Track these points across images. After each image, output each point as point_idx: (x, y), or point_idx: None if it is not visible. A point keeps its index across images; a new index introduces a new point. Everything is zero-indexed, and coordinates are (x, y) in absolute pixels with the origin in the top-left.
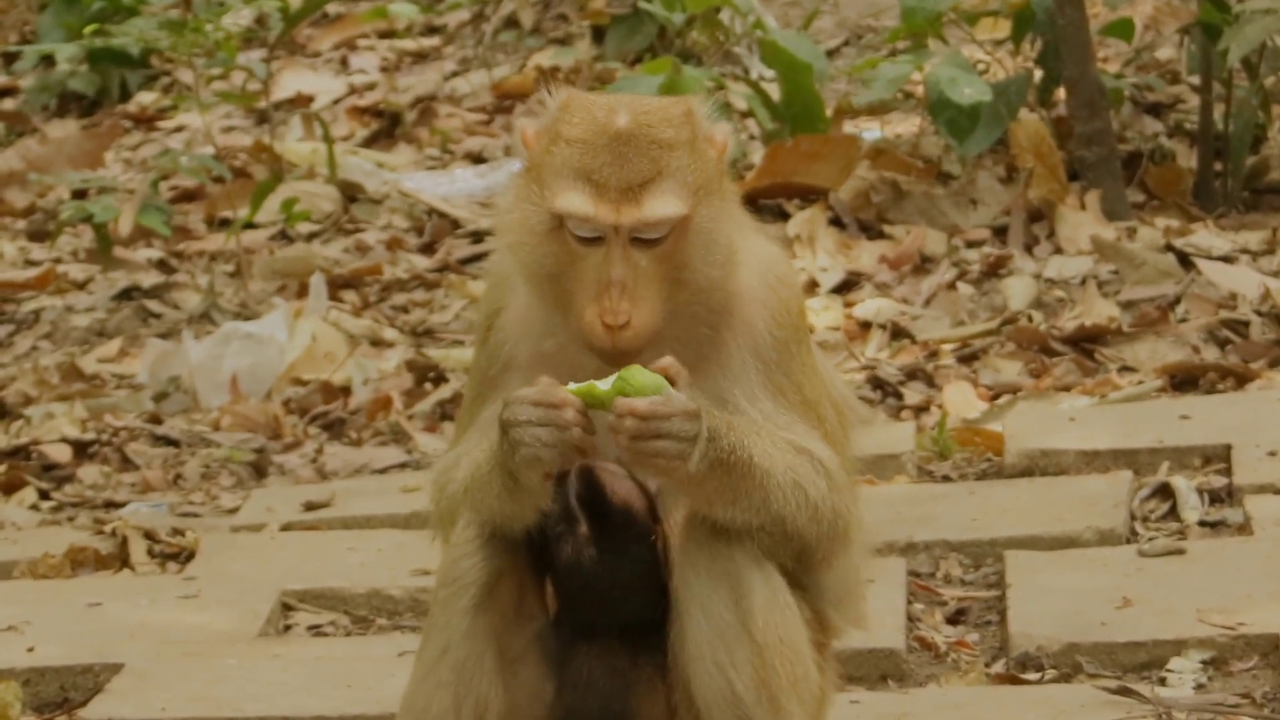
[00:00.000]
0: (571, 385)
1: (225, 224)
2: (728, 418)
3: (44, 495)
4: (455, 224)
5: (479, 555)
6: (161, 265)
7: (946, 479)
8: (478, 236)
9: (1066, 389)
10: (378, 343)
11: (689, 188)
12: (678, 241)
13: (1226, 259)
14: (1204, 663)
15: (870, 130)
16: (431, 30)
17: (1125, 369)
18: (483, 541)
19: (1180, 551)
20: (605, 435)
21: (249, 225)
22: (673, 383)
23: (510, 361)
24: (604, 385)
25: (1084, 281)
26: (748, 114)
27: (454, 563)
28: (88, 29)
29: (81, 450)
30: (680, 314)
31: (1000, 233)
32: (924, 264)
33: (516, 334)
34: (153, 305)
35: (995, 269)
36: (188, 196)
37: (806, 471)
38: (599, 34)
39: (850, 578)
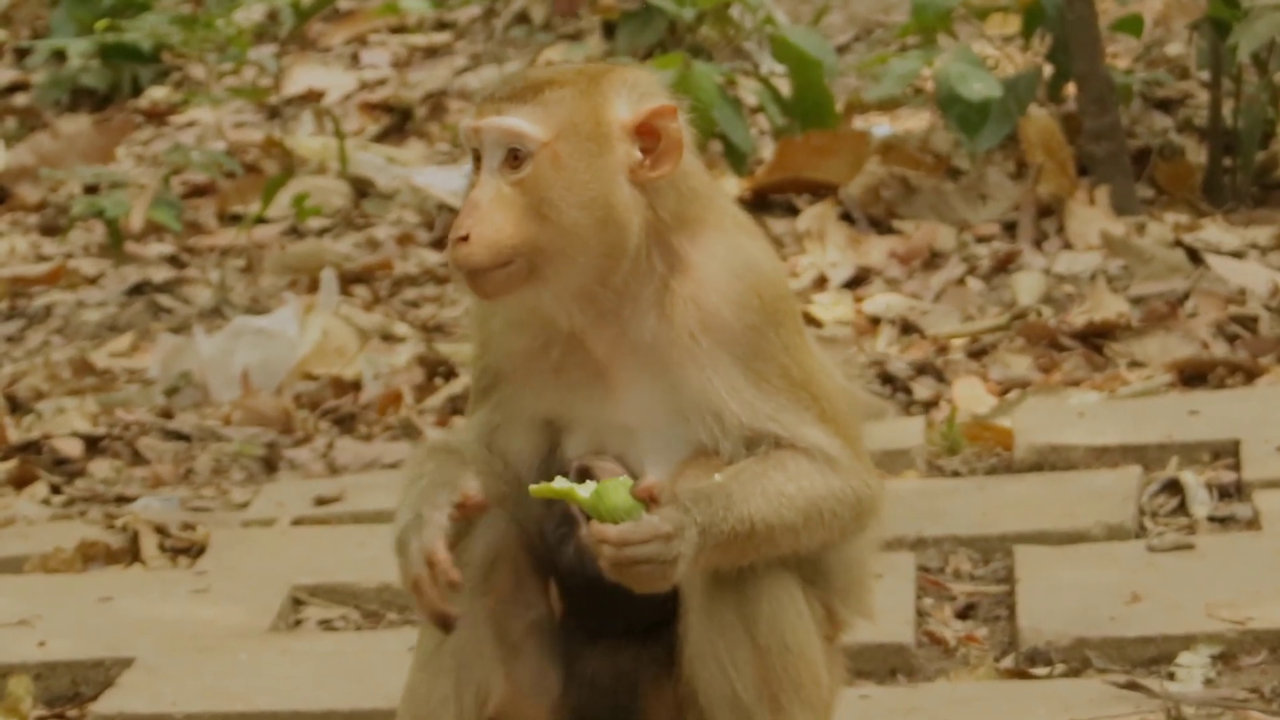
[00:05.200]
0: (558, 481)
1: (236, 219)
2: (725, 492)
3: (55, 490)
4: None
5: (473, 541)
6: (173, 260)
7: (956, 474)
8: None
9: (1076, 384)
10: (388, 338)
11: (558, 120)
12: (541, 172)
13: (1236, 254)
14: (1213, 658)
15: (880, 126)
16: (442, 25)
17: (1134, 364)
18: (477, 527)
19: (1189, 547)
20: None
21: (260, 220)
22: (655, 501)
23: (499, 373)
24: (584, 491)
25: (1093, 277)
26: (758, 109)
27: None
28: (99, 24)
29: (92, 445)
30: (589, 281)
31: (1010, 228)
32: (934, 259)
33: (501, 343)
34: (164, 300)
35: (1005, 264)
36: (199, 192)
37: (814, 485)
38: (609, 29)
39: (856, 568)
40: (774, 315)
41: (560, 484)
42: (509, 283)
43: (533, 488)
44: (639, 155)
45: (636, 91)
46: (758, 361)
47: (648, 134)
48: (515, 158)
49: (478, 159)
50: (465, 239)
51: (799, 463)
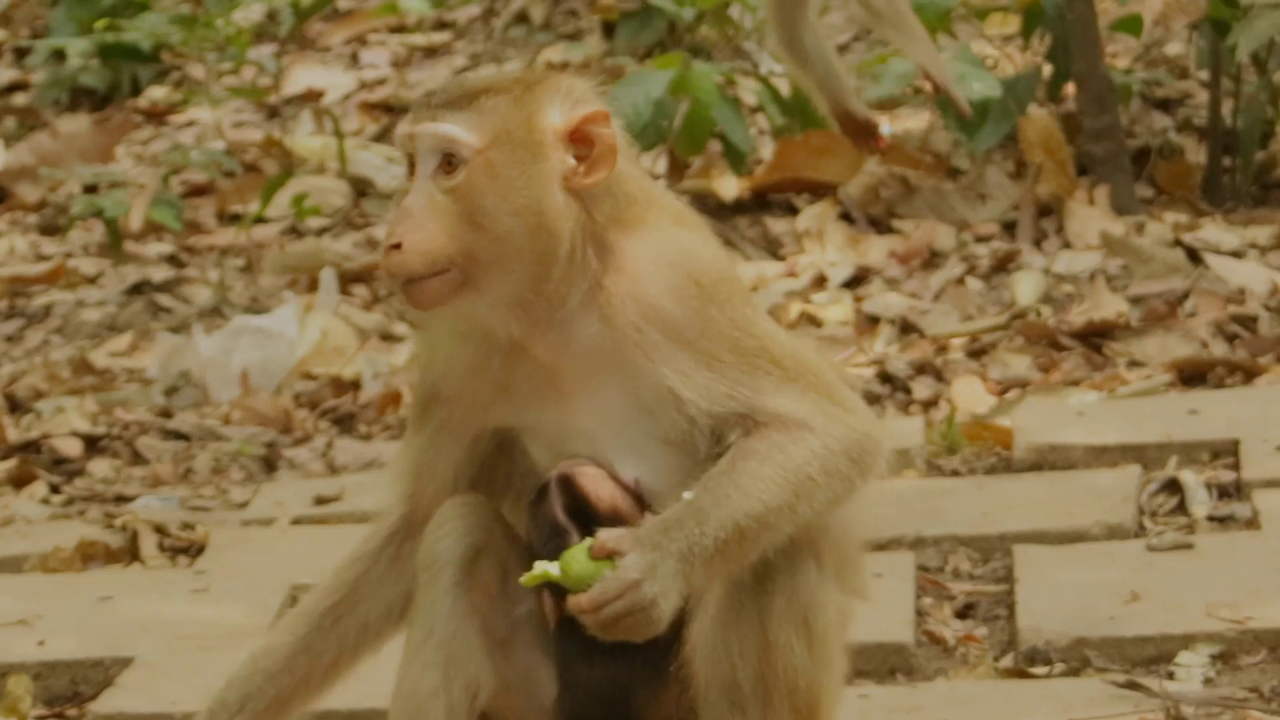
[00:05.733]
0: (536, 566)
1: (236, 219)
2: (695, 508)
3: (54, 489)
4: None
5: (454, 535)
6: (172, 260)
7: (955, 474)
8: None
9: (1075, 384)
10: (388, 337)
11: (492, 127)
12: (474, 180)
13: (1235, 254)
14: (1212, 657)
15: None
16: (442, 25)
17: (1134, 364)
18: (459, 521)
19: (1188, 546)
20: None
21: (259, 220)
22: (618, 553)
23: (441, 393)
24: (555, 570)
25: (1093, 276)
26: (758, 109)
27: (432, 544)
28: (99, 24)
29: (92, 444)
30: (524, 288)
31: (1009, 228)
32: (933, 259)
33: (446, 362)
34: (163, 300)
35: (1004, 264)
36: (198, 191)
37: (791, 456)
38: (609, 29)
39: (844, 547)
40: (714, 296)
41: (538, 568)
42: (444, 292)
43: (522, 579)
44: (572, 162)
45: (570, 98)
46: (705, 342)
47: (581, 140)
48: (449, 164)
49: (413, 165)
50: (398, 246)
51: (767, 440)
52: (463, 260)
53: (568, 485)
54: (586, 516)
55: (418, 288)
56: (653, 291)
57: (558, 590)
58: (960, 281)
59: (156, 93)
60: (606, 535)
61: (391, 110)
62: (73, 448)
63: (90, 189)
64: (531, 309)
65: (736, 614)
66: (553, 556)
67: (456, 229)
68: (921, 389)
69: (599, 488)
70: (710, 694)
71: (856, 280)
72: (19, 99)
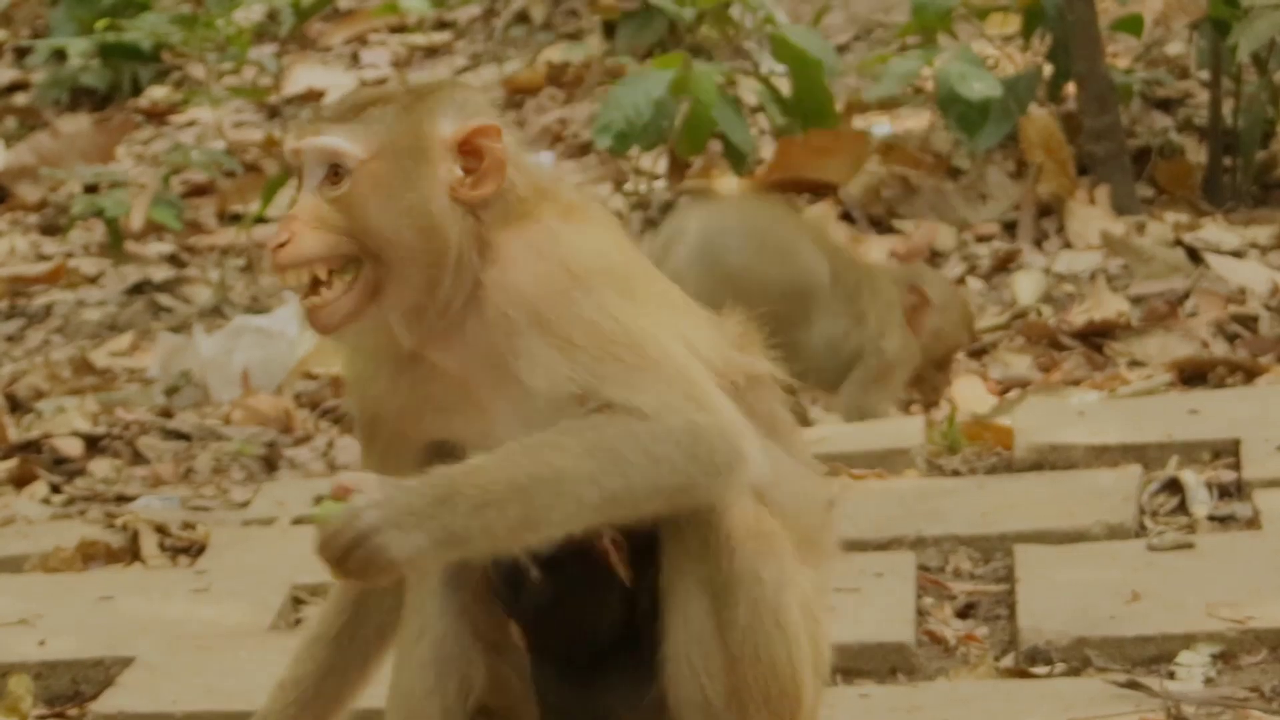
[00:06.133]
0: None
1: (236, 218)
2: (473, 464)
3: (55, 489)
4: None
5: None
6: (173, 260)
7: (956, 473)
8: None
9: (1076, 383)
10: None
11: (378, 138)
12: (359, 189)
13: (1236, 254)
14: (1213, 657)
15: (880, 125)
16: (442, 25)
17: (1134, 363)
18: None
19: (1189, 546)
20: None
21: (260, 220)
22: (356, 489)
23: (377, 417)
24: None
25: (1093, 276)
26: (758, 109)
27: None
28: (100, 24)
29: (93, 444)
30: (418, 295)
31: (1010, 228)
32: (934, 259)
33: (370, 388)
34: (164, 299)
35: (1005, 264)
36: (199, 191)
37: (604, 433)
38: (609, 29)
39: (806, 516)
40: (584, 282)
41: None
42: (343, 311)
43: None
44: (460, 173)
45: (463, 111)
46: (562, 326)
47: (470, 153)
48: (335, 175)
49: (300, 179)
50: (284, 244)
51: (587, 421)
52: (353, 257)
53: None
54: (544, 552)
55: (321, 312)
56: (516, 277)
57: (517, 615)
58: (961, 281)
59: (157, 92)
60: (345, 475)
61: None
62: (73, 447)
63: (91, 189)
64: (424, 318)
65: (698, 635)
66: (509, 583)
67: (341, 237)
68: None
69: None
70: (684, 713)
71: None
72: (19, 99)
